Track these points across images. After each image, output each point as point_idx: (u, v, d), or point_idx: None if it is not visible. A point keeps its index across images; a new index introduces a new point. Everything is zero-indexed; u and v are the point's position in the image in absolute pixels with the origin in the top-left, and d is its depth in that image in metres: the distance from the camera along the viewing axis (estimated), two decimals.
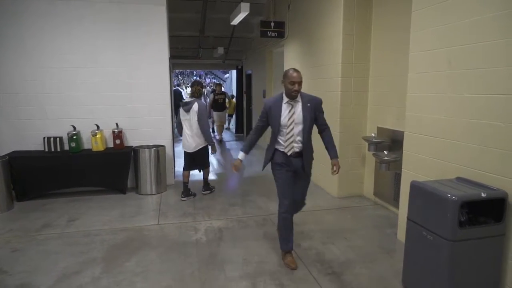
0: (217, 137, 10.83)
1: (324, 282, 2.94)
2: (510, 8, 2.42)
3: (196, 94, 5.02)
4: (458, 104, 2.87)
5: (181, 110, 4.99)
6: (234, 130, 13.28)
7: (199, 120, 4.86)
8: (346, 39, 4.77)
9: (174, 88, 13.27)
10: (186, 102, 5.05)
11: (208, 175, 5.38)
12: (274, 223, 4.19)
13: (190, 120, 4.91)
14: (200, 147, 5.01)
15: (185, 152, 5.12)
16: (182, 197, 5.08)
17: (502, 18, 2.48)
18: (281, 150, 3.18)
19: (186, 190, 5.10)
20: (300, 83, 3.07)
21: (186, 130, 4.98)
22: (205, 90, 14.01)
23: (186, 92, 16.33)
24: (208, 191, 5.36)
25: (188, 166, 5.16)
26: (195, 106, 4.87)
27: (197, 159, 5.11)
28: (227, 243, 3.69)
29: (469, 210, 2.48)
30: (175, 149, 6.60)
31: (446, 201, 2.37)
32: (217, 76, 23.14)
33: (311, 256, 3.37)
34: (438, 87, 3.07)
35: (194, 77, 25.65)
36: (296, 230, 3.92)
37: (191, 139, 4.97)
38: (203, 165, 5.25)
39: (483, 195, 2.41)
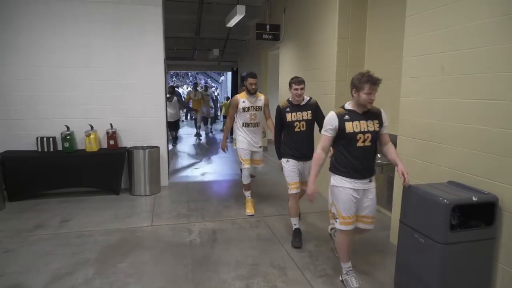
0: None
1: (317, 285, 2.96)
2: (501, 15, 2.46)
3: (170, 93, 9.21)
4: (450, 109, 2.91)
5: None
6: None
7: (179, 103, 9.86)
8: (340, 42, 4.81)
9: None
10: (168, 97, 8.26)
11: (177, 134, 10.25)
12: (267, 224, 4.20)
13: (172, 105, 9.17)
14: (176, 119, 9.80)
15: (169, 122, 7.89)
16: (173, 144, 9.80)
17: (493, 25, 2.52)
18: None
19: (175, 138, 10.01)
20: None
21: (170, 110, 8.72)
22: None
23: (182, 92, 16.67)
24: (175, 144, 9.90)
25: (171, 129, 9.17)
26: (175, 99, 9.40)
27: (175, 125, 9.78)
28: (221, 244, 3.69)
29: (461, 213, 2.51)
30: (169, 150, 6.59)
31: (438, 205, 2.40)
32: (212, 77, 23.14)
33: (304, 258, 3.39)
34: (431, 92, 3.10)
35: (190, 78, 25.65)
36: (291, 233, 3.93)
37: (173, 115, 9.24)
38: (177, 128, 10.17)
39: (474, 199, 2.45)
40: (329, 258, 3.38)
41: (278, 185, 5.91)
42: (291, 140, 3.69)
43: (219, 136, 12.52)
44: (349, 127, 2.68)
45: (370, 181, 2.79)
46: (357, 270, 3.16)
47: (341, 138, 2.72)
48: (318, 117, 3.68)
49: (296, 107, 3.65)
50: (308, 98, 3.73)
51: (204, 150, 9.83)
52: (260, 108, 4.57)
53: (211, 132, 12.78)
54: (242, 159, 4.56)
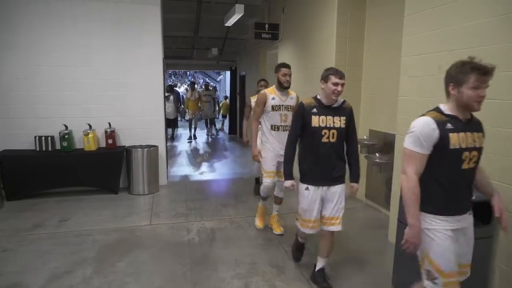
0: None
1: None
2: (500, 15, 2.47)
3: (168, 91, 9.74)
4: None
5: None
6: (227, 131, 13.30)
7: (174, 103, 10.54)
8: (339, 42, 4.81)
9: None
10: (166, 95, 8.89)
11: (174, 131, 11.33)
12: (266, 223, 4.20)
13: (169, 103, 9.83)
14: (174, 116, 10.79)
15: (167, 119, 7.86)
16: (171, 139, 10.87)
17: (491, 25, 2.53)
18: None
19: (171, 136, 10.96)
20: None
21: (167, 108, 8.51)
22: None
23: (181, 91, 16.58)
24: (173, 140, 10.64)
25: (169, 125, 10.01)
26: (171, 98, 10.23)
27: (174, 122, 10.93)
28: (220, 243, 3.70)
29: None
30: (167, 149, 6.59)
31: None
32: (210, 76, 23.13)
33: (303, 257, 3.38)
34: (429, 91, 3.11)
35: (189, 77, 25.68)
36: (288, 232, 3.93)
37: (170, 113, 9.85)
38: (176, 125, 11.37)
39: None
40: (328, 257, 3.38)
41: None
42: (314, 154, 2.71)
43: (220, 136, 12.51)
44: (455, 140, 1.81)
45: (470, 214, 1.97)
46: (355, 269, 3.17)
47: (441, 157, 1.84)
48: (351, 128, 2.78)
49: (327, 109, 2.71)
50: (342, 99, 2.82)
51: (205, 150, 9.83)
52: (291, 108, 3.66)
53: (213, 134, 12.28)
54: (266, 171, 3.73)
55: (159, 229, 4.08)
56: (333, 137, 2.66)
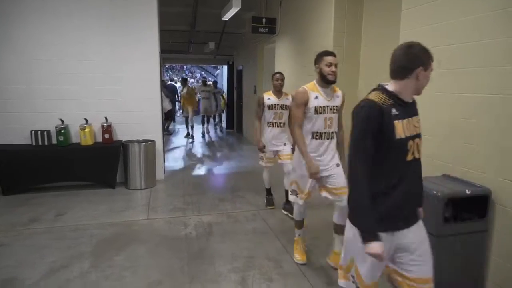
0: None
1: (313, 277, 2.98)
2: (498, 9, 2.47)
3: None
4: (446, 103, 2.92)
5: None
6: (224, 126, 13.27)
7: (166, 96, 9.86)
8: (336, 36, 4.80)
9: (169, 83, 13.33)
10: None
11: (170, 124, 11.44)
12: (263, 218, 4.22)
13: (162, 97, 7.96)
14: (169, 108, 10.56)
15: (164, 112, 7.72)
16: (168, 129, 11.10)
17: (490, 19, 2.53)
18: None
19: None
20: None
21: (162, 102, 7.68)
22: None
23: (178, 86, 16.35)
24: (167, 132, 10.48)
25: (167, 118, 10.15)
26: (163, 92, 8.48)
27: (170, 115, 10.85)
28: (217, 238, 3.70)
29: (454, 206, 2.54)
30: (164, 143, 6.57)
31: (432, 198, 2.42)
32: (208, 71, 23.04)
33: None
34: (427, 86, 3.10)
35: (186, 72, 25.56)
36: (286, 227, 3.95)
37: (165, 105, 8.98)
38: (172, 118, 11.70)
39: (467, 192, 2.47)
40: (324, 251, 3.40)
41: (275, 177, 5.92)
42: (397, 182, 1.65)
43: (217, 129, 12.48)
44: None
45: None
46: None
47: None
48: None
49: (406, 108, 1.72)
50: None
51: (202, 146, 9.82)
52: (337, 108, 2.90)
53: (209, 132, 11.62)
54: (300, 189, 2.99)
55: (156, 223, 4.08)
56: (417, 151, 1.70)
